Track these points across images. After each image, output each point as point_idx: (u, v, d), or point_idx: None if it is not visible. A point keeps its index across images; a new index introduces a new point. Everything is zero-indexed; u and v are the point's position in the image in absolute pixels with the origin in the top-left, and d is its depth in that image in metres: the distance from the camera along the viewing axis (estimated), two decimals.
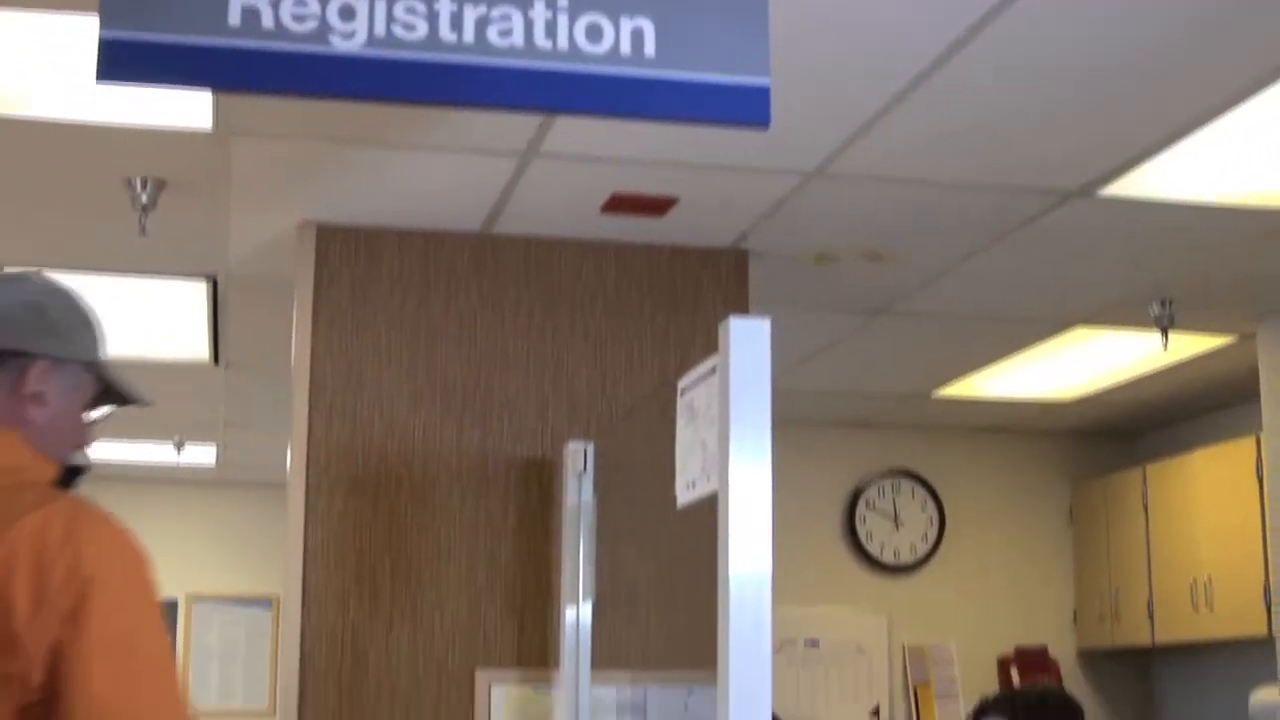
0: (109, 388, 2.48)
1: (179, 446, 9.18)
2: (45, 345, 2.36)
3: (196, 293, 5.95)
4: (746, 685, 2.58)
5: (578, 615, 4.34)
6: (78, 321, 2.43)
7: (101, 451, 9.63)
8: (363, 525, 4.65)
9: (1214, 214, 4.92)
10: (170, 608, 10.79)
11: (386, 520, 4.67)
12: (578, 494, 4.39)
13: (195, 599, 10.86)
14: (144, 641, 2.21)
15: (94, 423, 2.49)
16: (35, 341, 2.35)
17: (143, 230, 4.61)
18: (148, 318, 6.38)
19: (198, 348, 6.80)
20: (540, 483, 4.73)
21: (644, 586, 4.57)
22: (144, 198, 4.58)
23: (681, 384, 3.02)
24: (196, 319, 6.34)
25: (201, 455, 9.66)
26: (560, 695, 4.37)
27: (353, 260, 4.85)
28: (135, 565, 2.26)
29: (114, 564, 2.23)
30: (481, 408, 4.80)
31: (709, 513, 2.70)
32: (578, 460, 4.42)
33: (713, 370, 2.79)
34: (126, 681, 2.16)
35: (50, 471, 2.33)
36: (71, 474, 2.37)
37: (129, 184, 4.57)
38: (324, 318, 4.80)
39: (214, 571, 10.85)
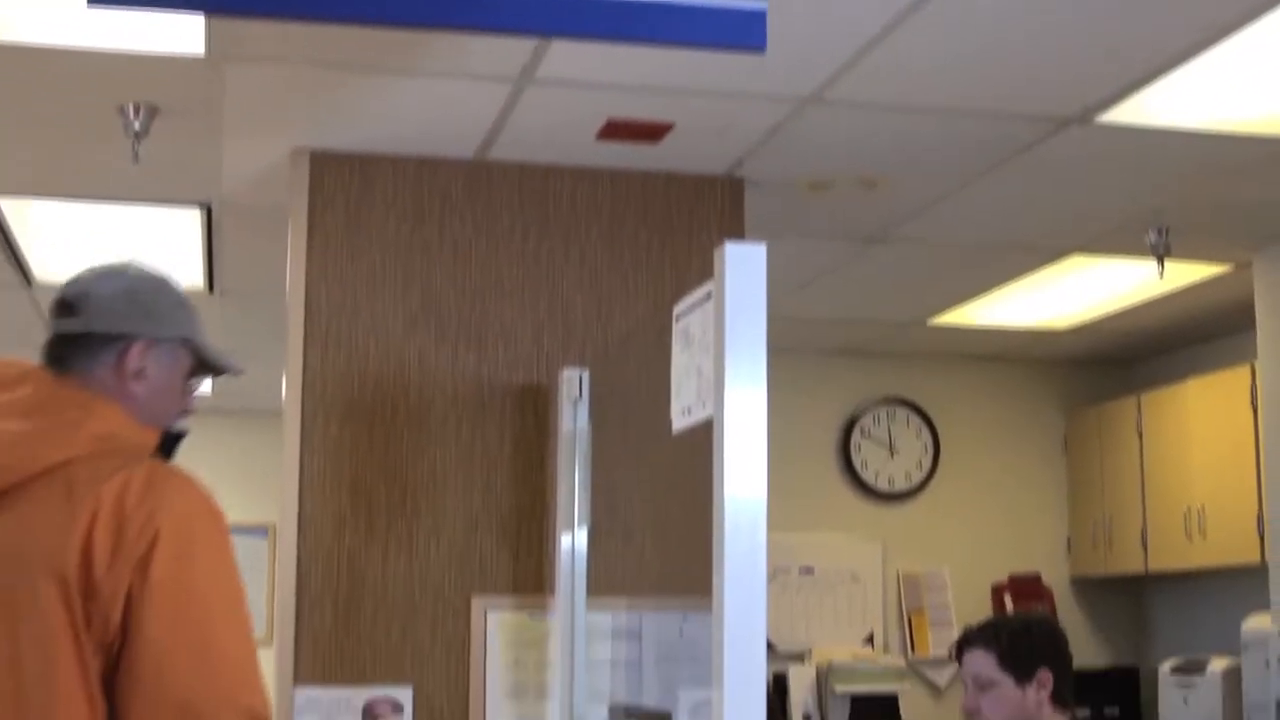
0: (204, 360, 2.74)
1: None
2: (142, 327, 2.62)
3: (190, 221, 5.93)
4: (741, 611, 2.59)
5: (573, 542, 4.35)
6: (170, 303, 2.68)
7: None
8: (358, 452, 4.65)
9: (1212, 141, 4.90)
10: None
11: (382, 447, 4.67)
12: (573, 421, 4.39)
13: None
14: (204, 591, 2.44)
15: (193, 392, 2.77)
16: (133, 324, 2.61)
17: (135, 158, 4.59)
18: (141, 246, 6.36)
19: (192, 276, 6.79)
20: (535, 409, 4.74)
21: (639, 513, 4.58)
22: (136, 125, 4.56)
23: (677, 310, 3.01)
24: (190, 247, 6.32)
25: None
26: (556, 621, 4.39)
27: (347, 187, 4.84)
28: (202, 522, 2.49)
29: (182, 520, 2.46)
30: (477, 334, 4.80)
31: (704, 439, 2.70)
32: (573, 387, 4.42)
33: (708, 296, 2.78)
34: (181, 627, 2.40)
35: (151, 438, 2.60)
36: (172, 440, 2.65)
37: (121, 111, 4.55)
38: (318, 245, 4.79)
39: None
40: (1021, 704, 3.74)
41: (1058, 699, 3.78)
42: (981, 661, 3.79)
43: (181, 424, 2.74)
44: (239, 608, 2.50)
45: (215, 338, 8.21)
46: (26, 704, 2.41)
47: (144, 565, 2.40)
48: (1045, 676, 3.76)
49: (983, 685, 3.78)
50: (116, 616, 2.40)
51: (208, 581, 2.46)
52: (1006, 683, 3.75)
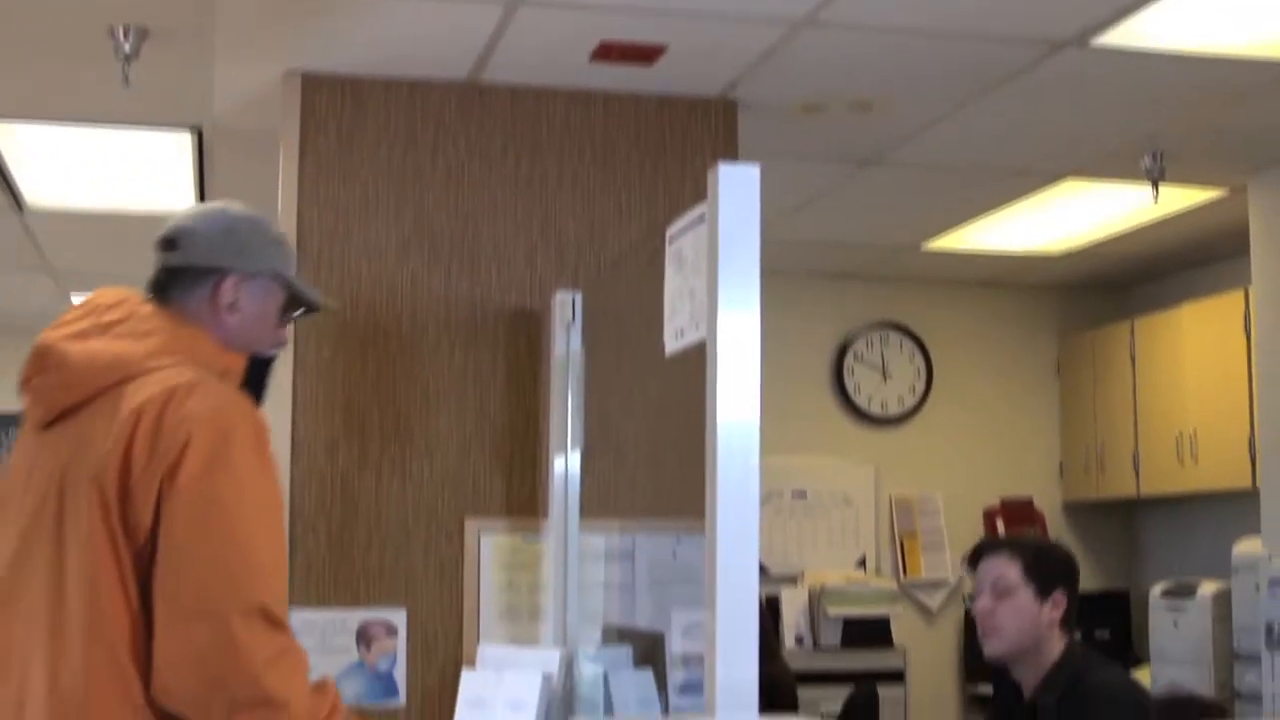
0: (296, 295, 2.92)
1: None
2: (236, 261, 2.80)
3: (181, 144, 5.90)
4: (734, 533, 2.59)
5: (566, 464, 4.36)
6: (265, 241, 2.86)
7: None
8: (351, 376, 4.65)
9: (1207, 65, 4.88)
10: None
11: (375, 371, 4.67)
12: (566, 344, 4.39)
13: None
14: (229, 499, 2.54)
15: (285, 325, 2.93)
16: (228, 259, 2.80)
17: (126, 81, 4.57)
18: (132, 170, 6.34)
19: (183, 200, 6.76)
20: (528, 333, 4.73)
21: (632, 436, 4.59)
22: (127, 47, 4.53)
23: (670, 232, 3.01)
24: (181, 171, 6.30)
25: None
26: (549, 544, 4.40)
27: (339, 110, 4.81)
28: (236, 432, 2.58)
29: (213, 428, 2.57)
30: (469, 258, 4.79)
31: (697, 362, 2.70)
32: (566, 310, 4.41)
33: (701, 218, 2.77)
34: (202, 531, 2.52)
35: (235, 363, 2.75)
36: (259, 366, 2.81)
37: (111, 33, 4.52)
38: (310, 168, 4.77)
39: None
40: (1036, 618, 3.75)
41: (1065, 623, 3.80)
42: (1005, 567, 3.79)
43: (273, 352, 2.91)
44: (264, 516, 2.60)
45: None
46: (68, 606, 2.56)
47: (173, 471, 2.54)
48: (1060, 598, 3.77)
49: (1000, 591, 3.77)
50: (147, 521, 2.54)
51: (234, 490, 2.55)
52: (1026, 594, 3.76)
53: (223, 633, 2.47)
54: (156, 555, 2.53)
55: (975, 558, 3.91)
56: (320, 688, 2.63)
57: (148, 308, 2.80)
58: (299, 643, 2.59)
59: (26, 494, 2.70)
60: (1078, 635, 3.87)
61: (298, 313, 3.01)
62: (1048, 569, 3.80)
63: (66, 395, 2.70)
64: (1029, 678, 3.78)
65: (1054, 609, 3.77)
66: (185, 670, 2.49)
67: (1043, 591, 3.77)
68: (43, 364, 2.74)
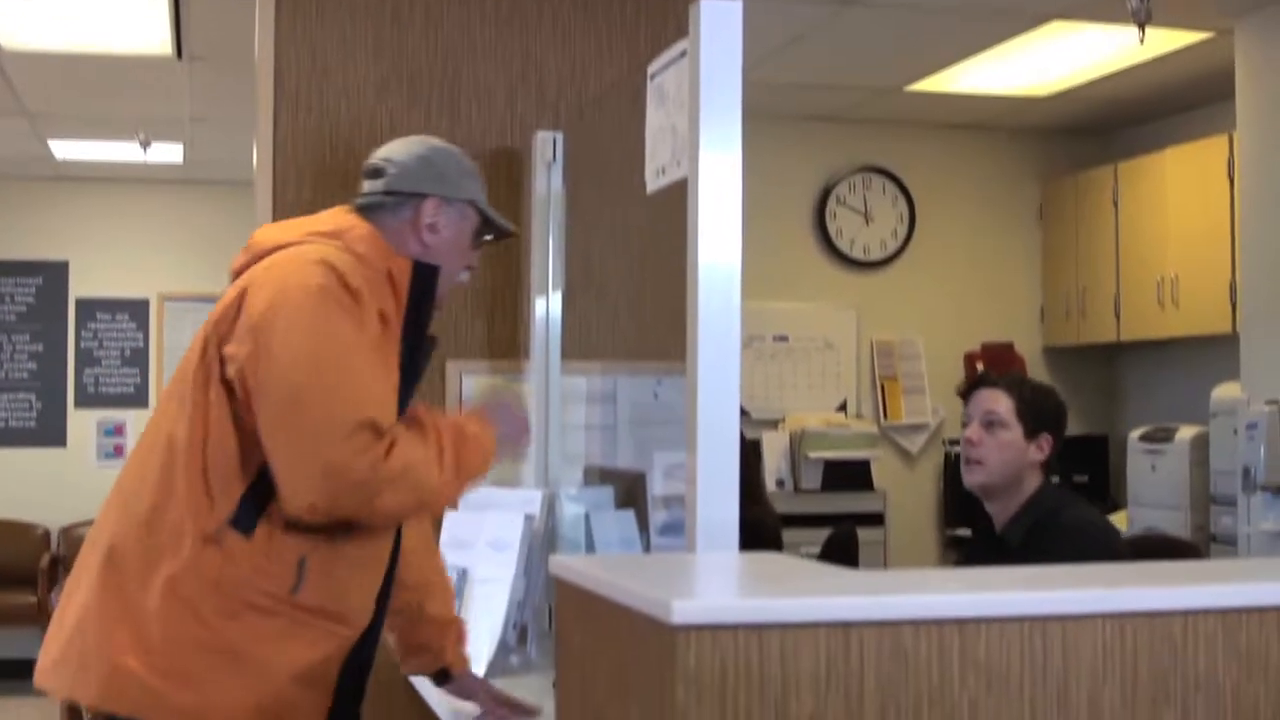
0: (488, 222, 3.10)
1: (145, 145, 9.08)
2: (436, 187, 3.01)
3: None
4: (715, 373, 2.60)
5: (547, 306, 4.35)
6: (462, 170, 3.07)
7: (67, 151, 9.55)
8: None
9: None
10: (141, 307, 10.82)
11: None
12: (547, 184, 4.36)
13: (167, 298, 10.86)
14: (285, 359, 2.70)
15: (477, 249, 3.13)
16: (428, 184, 3.01)
17: None
18: (106, 9, 6.25)
19: (160, 40, 6.68)
20: (509, 173, 4.70)
21: (614, 277, 4.57)
22: None
23: (651, 68, 2.98)
24: (158, 12, 6.21)
25: (168, 153, 9.57)
26: (531, 385, 4.41)
27: None
28: (302, 296, 2.74)
29: (278, 292, 2.76)
30: (449, 97, 4.74)
31: (679, 202, 2.68)
32: (546, 150, 4.38)
33: (683, 54, 2.74)
34: (270, 394, 2.70)
35: (399, 265, 2.91)
36: (425, 271, 2.94)
37: None
38: (287, 7, 4.69)
39: (185, 271, 10.84)
40: (1019, 456, 3.79)
41: (1045, 467, 3.83)
42: (999, 401, 3.82)
43: (460, 275, 3.09)
44: (318, 371, 2.69)
45: (183, 105, 8.11)
46: (162, 434, 2.81)
47: (245, 329, 2.75)
48: (1046, 442, 3.81)
49: (990, 424, 3.81)
50: (232, 372, 2.74)
51: (287, 351, 2.70)
52: (1016, 430, 3.79)
53: (322, 461, 2.65)
54: (249, 389, 2.72)
55: (970, 388, 3.93)
56: (417, 432, 2.79)
57: (344, 211, 3.01)
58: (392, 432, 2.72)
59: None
60: (1054, 478, 3.90)
61: (487, 238, 3.17)
62: (1039, 411, 3.83)
63: (241, 259, 2.96)
64: (1002, 512, 3.83)
65: (1038, 451, 3.80)
66: (305, 500, 2.69)
67: (1031, 432, 3.80)
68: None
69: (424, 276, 2.95)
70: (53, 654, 2.77)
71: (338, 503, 2.68)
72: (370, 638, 2.93)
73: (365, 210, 2.99)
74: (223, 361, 2.74)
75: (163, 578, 2.69)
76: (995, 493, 3.83)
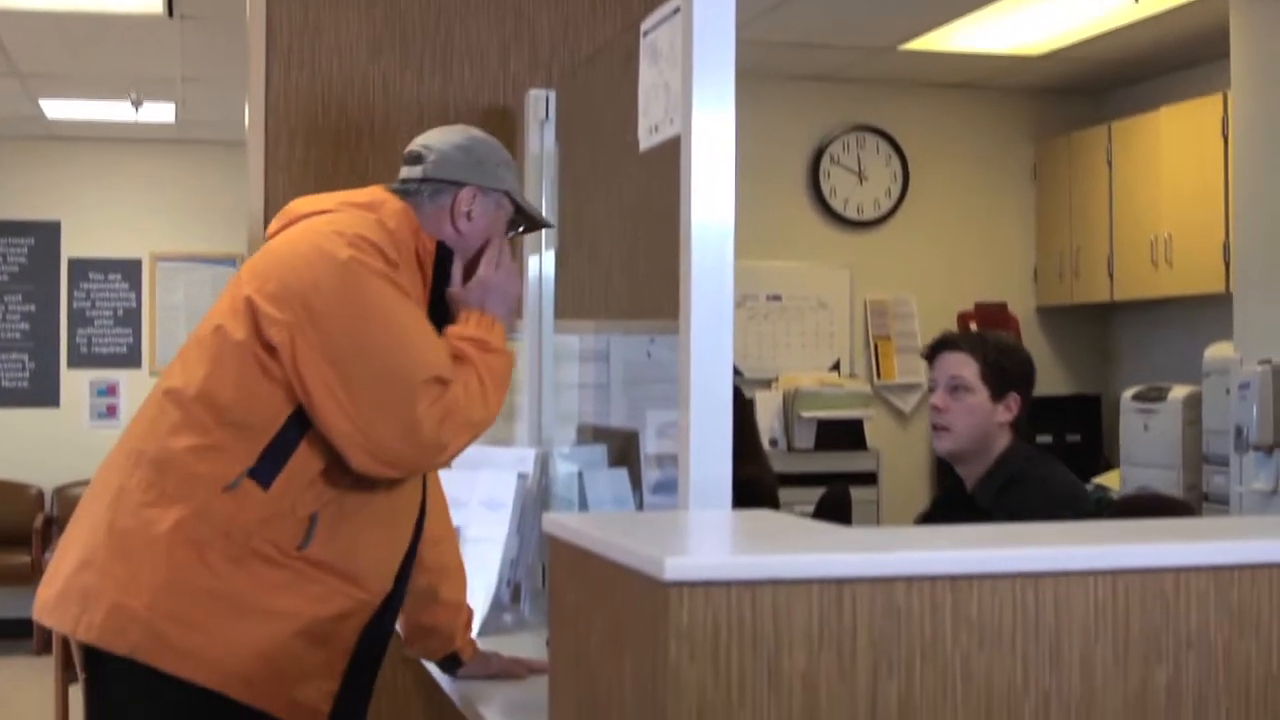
0: (521, 213, 3.16)
1: (136, 104, 9.05)
2: (473, 176, 3.06)
3: None
4: (708, 332, 2.60)
5: (540, 265, 4.35)
6: (499, 160, 3.12)
7: (58, 110, 9.52)
8: (324, 175, 4.61)
9: None
10: (133, 266, 10.81)
11: (347, 170, 4.63)
12: (540, 143, 4.35)
13: (159, 258, 10.85)
14: (357, 324, 2.77)
15: (510, 238, 3.19)
16: (466, 173, 3.05)
17: None
18: None
19: (149, 1, 6.66)
20: (502, 132, 4.66)
21: (607, 236, 4.56)
22: None
23: (644, 25, 2.97)
24: None
25: (160, 113, 9.54)
26: (524, 344, 4.40)
27: None
28: (341, 266, 2.79)
29: (325, 262, 2.81)
30: (442, 55, 4.72)
31: (673, 160, 2.68)
32: (539, 108, 4.37)
33: (676, 10, 2.74)
34: (318, 368, 2.75)
35: (425, 242, 2.97)
36: (446, 252, 3.01)
37: None
38: None
39: (177, 231, 10.83)
40: (988, 419, 3.78)
41: (1015, 426, 3.83)
42: (963, 365, 3.81)
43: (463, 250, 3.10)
44: (375, 334, 2.77)
45: (175, 64, 8.07)
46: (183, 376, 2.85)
47: (287, 294, 2.79)
48: (1014, 401, 3.80)
49: (956, 389, 3.80)
50: (275, 336, 2.77)
51: (340, 321, 2.76)
52: (983, 394, 3.78)
53: (399, 421, 2.75)
54: (297, 354, 2.76)
55: (934, 351, 3.92)
56: (459, 370, 2.86)
57: (381, 189, 3.05)
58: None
59: None
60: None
61: (520, 229, 3.24)
62: (1005, 371, 3.81)
63: (276, 225, 3.05)
64: (973, 474, 3.83)
65: (1007, 411, 3.79)
66: (381, 459, 2.78)
67: (997, 394, 3.79)
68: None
69: (447, 257, 3.01)
70: (55, 589, 2.79)
71: (415, 459, 2.82)
72: (391, 607, 2.95)
73: (403, 195, 3.04)
74: (257, 319, 2.77)
75: (172, 521, 2.71)
76: (965, 457, 3.83)
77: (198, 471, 2.73)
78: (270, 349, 2.76)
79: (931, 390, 3.90)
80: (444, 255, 3.00)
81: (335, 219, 2.90)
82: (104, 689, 2.79)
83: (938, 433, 3.85)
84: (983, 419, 3.78)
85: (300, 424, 2.77)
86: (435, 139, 3.12)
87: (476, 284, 3.03)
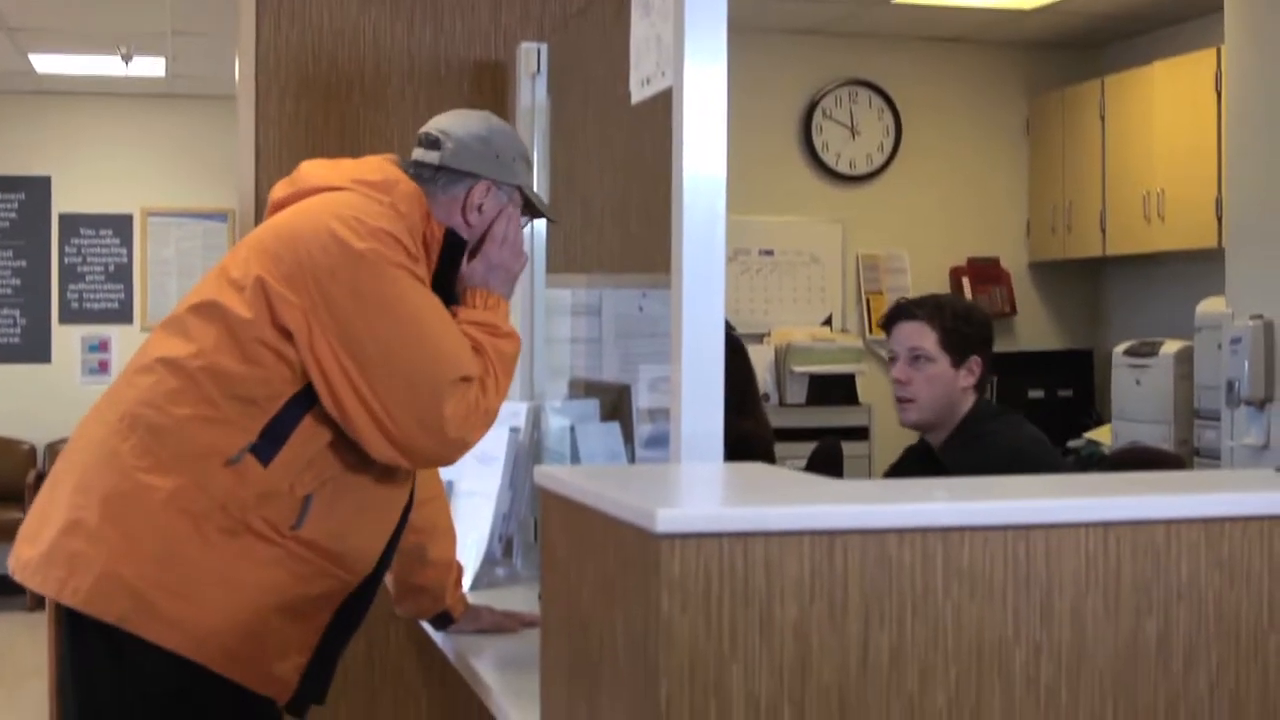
0: (529, 205, 3.13)
1: (126, 58, 9.01)
2: (490, 170, 3.02)
3: None
4: (700, 285, 2.59)
5: (532, 219, 4.33)
6: (516, 154, 3.09)
7: (48, 65, 9.48)
8: (314, 129, 4.59)
9: None
10: (124, 222, 10.78)
11: (339, 124, 4.61)
12: (531, 96, 4.34)
13: (150, 213, 10.82)
14: (384, 320, 2.75)
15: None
16: (483, 167, 3.02)
17: None
18: None
19: None
20: (493, 85, 4.67)
21: (599, 189, 4.55)
22: None
23: None
24: None
25: (150, 67, 9.50)
26: (515, 298, 4.39)
27: None
28: (358, 258, 2.76)
29: (343, 253, 2.77)
30: (433, 8, 4.70)
31: (665, 114, 2.67)
32: (531, 61, 4.35)
33: None
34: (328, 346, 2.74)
35: (434, 229, 2.94)
36: (455, 239, 2.97)
37: None
38: None
39: (168, 185, 10.81)
40: (951, 386, 3.78)
41: (979, 387, 3.83)
42: (921, 335, 3.80)
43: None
44: (403, 329, 2.76)
45: (165, 18, 8.04)
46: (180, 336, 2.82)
47: (303, 275, 2.76)
48: (975, 364, 3.79)
49: (916, 359, 3.80)
50: (289, 319, 2.75)
51: (365, 314, 2.74)
52: (943, 362, 3.77)
53: (424, 419, 2.75)
54: (314, 341, 2.74)
55: (890, 321, 3.90)
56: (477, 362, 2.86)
57: (391, 164, 3.01)
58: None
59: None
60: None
61: (526, 222, 3.19)
62: (963, 337, 3.79)
63: (283, 190, 3.00)
64: (939, 438, 3.83)
65: (969, 375, 3.79)
66: (402, 451, 2.78)
67: (959, 359, 3.78)
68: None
69: (455, 246, 2.98)
70: (40, 550, 2.75)
71: (437, 454, 2.84)
72: (369, 587, 2.94)
73: (416, 179, 3.00)
74: (269, 297, 2.74)
75: (170, 490, 2.69)
76: (932, 426, 3.82)
77: (200, 442, 2.71)
78: (283, 330, 2.73)
79: (892, 361, 3.88)
80: (455, 243, 2.97)
81: (350, 201, 2.85)
82: (81, 653, 2.77)
83: (902, 405, 3.84)
84: (945, 387, 3.77)
85: (302, 403, 2.76)
86: (455, 125, 3.07)
87: (482, 260, 3.00)
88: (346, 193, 2.88)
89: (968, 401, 3.80)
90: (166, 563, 2.68)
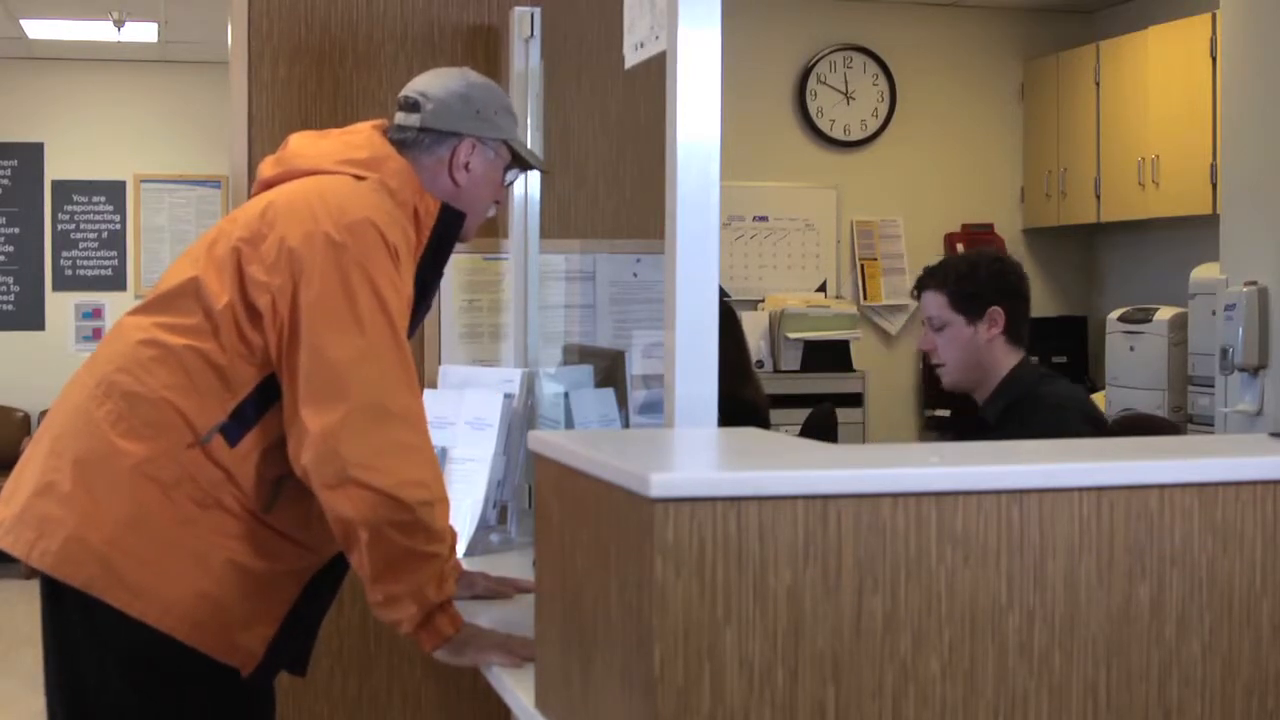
0: (518, 157, 3.10)
1: (119, 24, 8.98)
2: (473, 127, 2.99)
3: None
4: (694, 251, 2.58)
5: (526, 184, 4.33)
6: (498, 107, 3.06)
7: (40, 30, 9.45)
8: (307, 94, 4.58)
9: None
10: (117, 188, 10.76)
11: (331, 89, 4.60)
12: (525, 60, 4.32)
13: (143, 179, 10.80)
14: (314, 308, 2.69)
15: (507, 186, 3.16)
16: (466, 124, 2.99)
17: None
18: None
19: None
20: (487, 49, 4.65)
21: (593, 154, 4.54)
22: None
23: None
24: None
25: (143, 33, 9.47)
26: (510, 263, 4.39)
27: None
28: (338, 267, 2.71)
29: (326, 252, 2.72)
30: None
31: (659, 78, 2.66)
32: (524, 25, 4.34)
33: None
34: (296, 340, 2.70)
35: (428, 204, 2.92)
36: (451, 216, 2.96)
37: None
38: None
39: (161, 152, 10.79)
40: (972, 342, 3.77)
41: (1013, 336, 3.80)
42: (934, 302, 3.82)
43: (490, 211, 3.14)
44: (343, 323, 2.69)
45: None
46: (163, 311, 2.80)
47: (279, 259, 2.73)
48: (996, 314, 3.77)
49: (937, 326, 3.81)
50: (260, 300, 2.72)
51: (331, 321, 2.68)
52: (958, 322, 3.78)
53: (325, 435, 2.64)
54: (280, 325, 2.71)
55: (918, 293, 3.94)
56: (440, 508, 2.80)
57: (380, 135, 2.98)
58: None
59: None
60: (1033, 358, 3.89)
61: (515, 175, 3.17)
62: (971, 294, 3.78)
63: (270, 169, 2.96)
64: (982, 396, 3.84)
65: (990, 327, 3.77)
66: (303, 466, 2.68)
67: (973, 315, 3.77)
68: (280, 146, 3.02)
69: (450, 221, 2.96)
70: (13, 510, 2.75)
71: (319, 474, 2.65)
72: (341, 561, 2.88)
73: (400, 145, 2.97)
74: (243, 278, 2.72)
75: (140, 456, 2.68)
76: (970, 385, 3.83)
77: (174, 413, 2.70)
78: (254, 311, 2.71)
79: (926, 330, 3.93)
80: (447, 217, 2.95)
81: (335, 189, 2.82)
82: (61, 621, 2.77)
83: (938, 371, 3.89)
84: (966, 345, 3.78)
85: (272, 388, 2.74)
86: (433, 86, 3.04)
87: (470, 639, 2.76)
88: (332, 178, 2.85)
89: (1001, 355, 3.78)
90: (133, 528, 2.67)
